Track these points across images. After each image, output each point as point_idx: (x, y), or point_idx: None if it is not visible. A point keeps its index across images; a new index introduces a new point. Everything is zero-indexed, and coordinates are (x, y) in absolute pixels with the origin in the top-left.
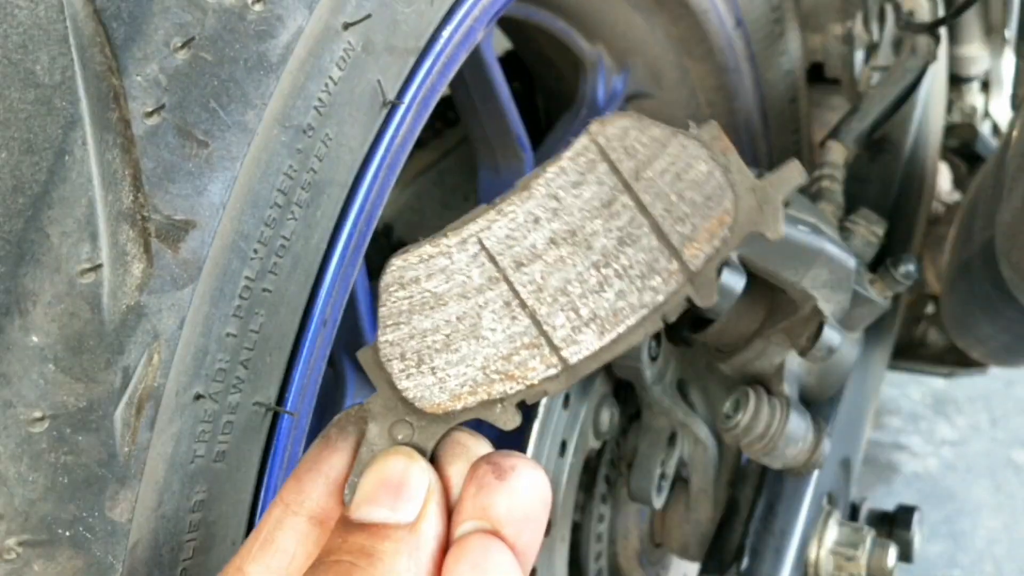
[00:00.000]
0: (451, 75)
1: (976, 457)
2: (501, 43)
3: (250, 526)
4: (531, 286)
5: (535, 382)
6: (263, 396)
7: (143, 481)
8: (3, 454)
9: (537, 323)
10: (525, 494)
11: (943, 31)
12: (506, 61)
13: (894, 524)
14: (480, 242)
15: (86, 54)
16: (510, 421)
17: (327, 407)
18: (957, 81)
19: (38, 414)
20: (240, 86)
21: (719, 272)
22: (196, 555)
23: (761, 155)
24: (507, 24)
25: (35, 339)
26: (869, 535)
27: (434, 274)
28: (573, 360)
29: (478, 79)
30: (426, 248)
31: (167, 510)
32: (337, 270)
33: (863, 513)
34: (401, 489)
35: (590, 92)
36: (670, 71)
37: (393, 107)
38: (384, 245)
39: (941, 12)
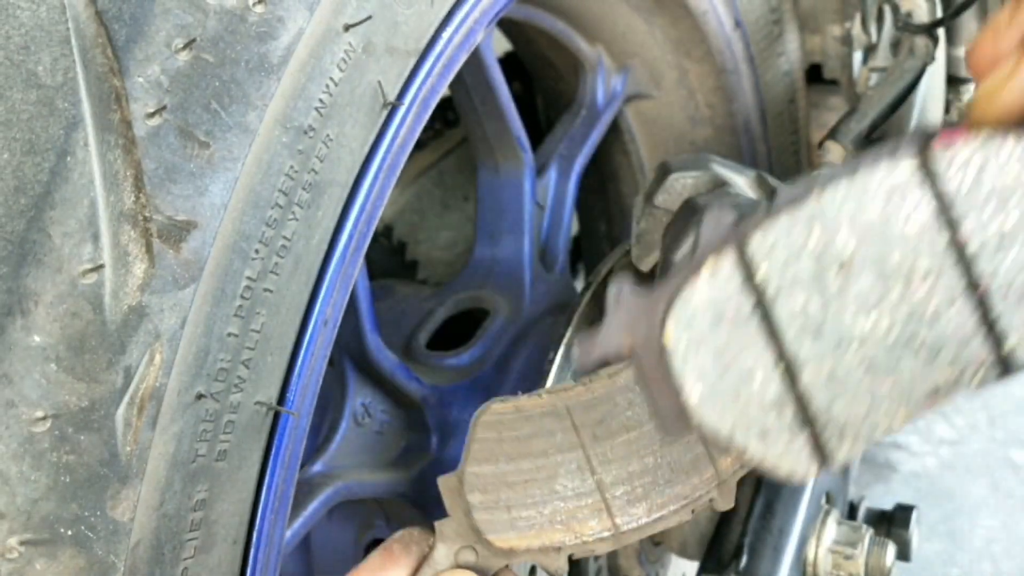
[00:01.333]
0: (451, 76)
1: (974, 456)
2: (501, 44)
3: (251, 525)
4: (602, 457)
5: (589, 540)
6: (264, 395)
7: (145, 480)
8: (5, 453)
9: (601, 490)
10: None
11: (941, 32)
12: (506, 62)
13: (892, 523)
14: (568, 410)
15: (88, 55)
16: (561, 569)
17: (327, 406)
18: (955, 82)
19: (40, 414)
20: (241, 87)
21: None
22: (198, 554)
23: (760, 156)
24: (507, 25)
25: (37, 339)
26: (867, 534)
27: (524, 426)
28: (624, 528)
29: (478, 80)
30: (523, 402)
31: (169, 509)
32: (338, 270)
33: (861, 512)
34: None
35: (589, 93)
36: (669, 72)
37: (393, 108)
38: (384, 245)
39: (939, 13)
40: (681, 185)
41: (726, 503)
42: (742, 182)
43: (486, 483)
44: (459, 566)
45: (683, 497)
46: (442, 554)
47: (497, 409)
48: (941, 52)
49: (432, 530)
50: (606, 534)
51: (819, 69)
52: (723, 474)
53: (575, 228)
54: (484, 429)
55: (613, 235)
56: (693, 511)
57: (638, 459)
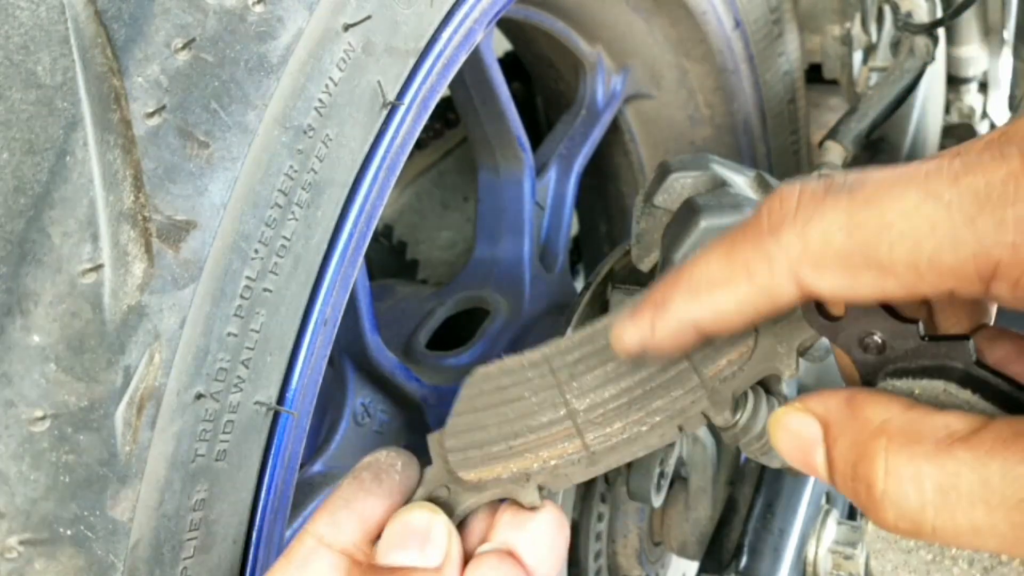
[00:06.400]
0: (451, 76)
1: None
2: (501, 44)
3: (251, 524)
4: (576, 391)
5: (560, 463)
6: (264, 395)
7: (144, 480)
8: (5, 453)
9: (572, 417)
10: (551, 526)
11: (941, 32)
12: (506, 62)
13: None
14: (546, 358)
15: (87, 55)
16: (531, 498)
17: (327, 406)
18: (955, 82)
19: (39, 413)
20: (241, 87)
21: (735, 396)
22: (197, 554)
23: (760, 156)
24: (507, 25)
25: (36, 339)
26: None
27: (505, 378)
28: (595, 448)
29: (478, 80)
30: (507, 361)
31: (168, 509)
32: (337, 270)
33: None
34: (427, 536)
35: (589, 93)
36: (669, 72)
37: (393, 108)
38: (384, 245)
39: (939, 13)
40: (681, 185)
41: (719, 413)
42: (742, 182)
43: (463, 429)
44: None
45: (664, 411)
46: (418, 496)
47: (482, 370)
48: (941, 52)
49: (405, 450)
50: (576, 456)
51: (819, 69)
52: (710, 382)
53: (575, 228)
54: (469, 387)
55: (613, 235)
56: (681, 427)
57: (614, 384)
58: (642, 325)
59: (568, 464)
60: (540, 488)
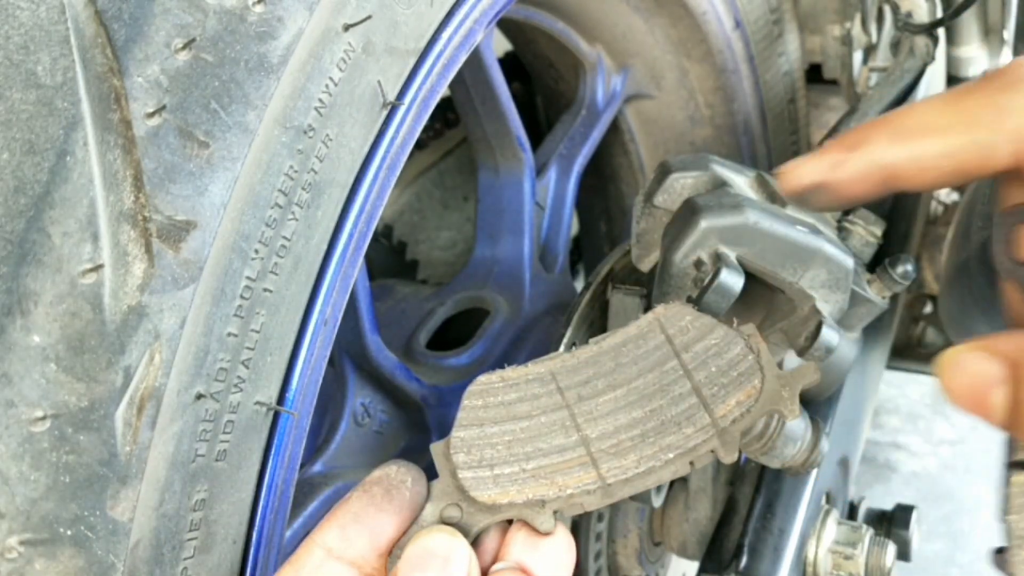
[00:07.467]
0: (451, 76)
1: (974, 456)
2: (501, 44)
3: (251, 525)
4: (587, 415)
5: (575, 493)
6: (264, 395)
7: (144, 480)
8: (5, 453)
9: (586, 444)
10: (563, 547)
11: (941, 32)
12: (506, 62)
13: (892, 523)
14: (553, 375)
15: (87, 55)
16: (546, 524)
17: (327, 406)
18: (955, 82)
19: (40, 413)
20: (241, 87)
21: (742, 436)
22: (197, 554)
23: (760, 156)
24: (507, 25)
25: (37, 339)
26: (867, 534)
27: (510, 392)
28: (610, 480)
29: (478, 80)
30: (508, 372)
31: (168, 509)
32: (337, 270)
33: (861, 512)
34: (448, 560)
35: (589, 93)
36: (669, 72)
37: (393, 108)
38: (384, 245)
39: (939, 13)
40: (681, 185)
41: (729, 454)
42: (742, 182)
43: (471, 445)
44: (443, 522)
45: (676, 448)
46: (429, 512)
47: (483, 380)
48: (941, 52)
49: (414, 464)
50: (592, 486)
51: (819, 69)
52: (720, 423)
53: (575, 228)
54: (471, 398)
55: (613, 235)
56: (692, 463)
57: (625, 414)
58: (824, 163)
59: (584, 494)
60: (555, 513)
